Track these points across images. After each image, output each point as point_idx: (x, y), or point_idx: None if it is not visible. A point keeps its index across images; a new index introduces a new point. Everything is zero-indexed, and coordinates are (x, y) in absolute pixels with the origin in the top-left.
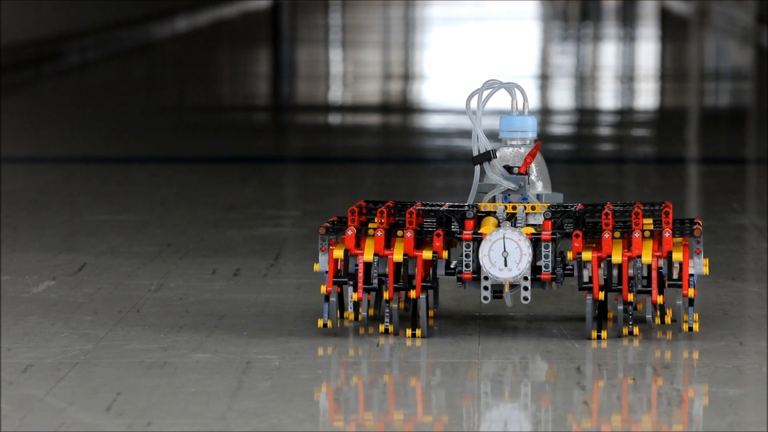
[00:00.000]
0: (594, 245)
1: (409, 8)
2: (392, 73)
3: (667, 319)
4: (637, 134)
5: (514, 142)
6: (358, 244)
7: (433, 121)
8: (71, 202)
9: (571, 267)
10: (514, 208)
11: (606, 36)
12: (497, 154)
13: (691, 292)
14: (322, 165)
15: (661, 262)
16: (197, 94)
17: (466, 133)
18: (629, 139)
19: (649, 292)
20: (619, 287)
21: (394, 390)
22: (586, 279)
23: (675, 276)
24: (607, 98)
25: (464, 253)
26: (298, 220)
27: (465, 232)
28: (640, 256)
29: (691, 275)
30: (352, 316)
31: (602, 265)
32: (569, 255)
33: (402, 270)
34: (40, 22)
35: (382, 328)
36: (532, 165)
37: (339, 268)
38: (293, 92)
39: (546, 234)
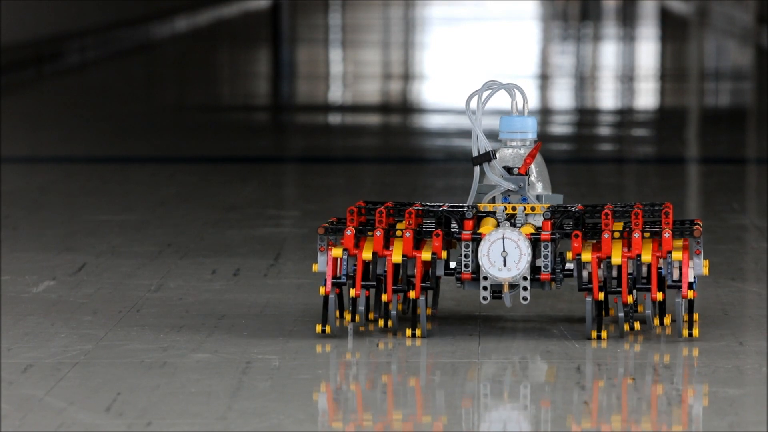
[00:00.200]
0: (593, 245)
1: (409, 8)
2: (392, 73)
3: (667, 320)
4: (637, 134)
5: (513, 143)
6: (357, 244)
7: (433, 121)
8: (71, 202)
9: (570, 270)
10: (513, 208)
11: (606, 36)
12: (497, 155)
13: (690, 294)
14: (322, 165)
15: (661, 262)
16: (197, 94)
17: (466, 134)
18: (629, 139)
19: (649, 290)
20: (618, 289)
21: (394, 390)
22: (585, 279)
23: (675, 277)
24: (607, 98)
25: (463, 254)
26: (298, 220)
27: (464, 232)
28: (639, 256)
29: (691, 283)
30: (349, 317)
31: (602, 265)
32: (569, 255)
33: (401, 271)
34: (40, 22)
35: (381, 323)
36: (532, 166)
37: (338, 270)
38: (293, 92)
39: (545, 234)
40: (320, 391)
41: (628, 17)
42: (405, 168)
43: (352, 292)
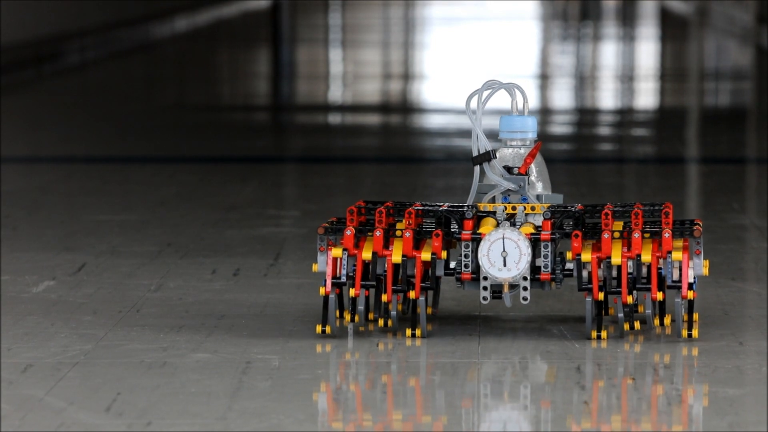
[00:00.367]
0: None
1: (409, 8)
2: (392, 73)
3: (667, 320)
4: (637, 134)
5: (513, 143)
6: (357, 244)
7: (433, 121)
8: (71, 202)
9: (570, 270)
10: (513, 208)
11: (606, 36)
12: (497, 155)
13: (690, 295)
14: (322, 165)
15: (661, 262)
16: (197, 93)
17: (466, 133)
18: (629, 139)
19: (649, 290)
20: (618, 289)
21: (394, 390)
22: (585, 279)
23: (675, 277)
24: (607, 98)
25: (463, 254)
26: (298, 220)
27: (464, 232)
28: (639, 256)
29: (691, 284)
30: (349, 317)
31: (602, 265)
32: (569, 255)
33: (401, 271)
34: (40, 22)
35: (381, 323)
36: (532, 165)
37: (338, 270)
38: (293, 92)
39: (545, 234)
40: (320, 391)
41: (628, 17)
42: (405, 168)
43: (352, 292)
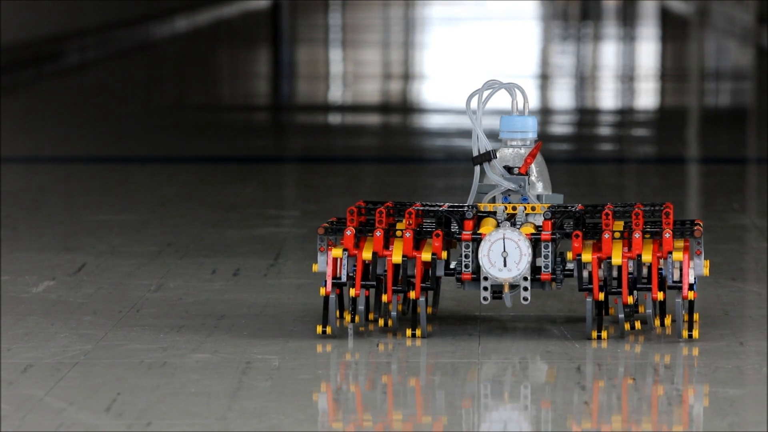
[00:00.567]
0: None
1: (409, 8)
2: (392, 73)
3: (667, 320)
4: (637, 134)
5: (514, 143)
6: (357, 244)
7: (433, 121)
8: (71, 202)
9: (570, 270)
10: (514, 208)
11: (606, 36)
12: (497, 155)
13: (691, 295)
14: (322, 165)
15: (662, 262)
16: (197, 94)
17: (466, 133)
18: (629, 139)
19: (649, 290)
20: (619, 289)
21: (394, 390)
22: (585, 279)
23: (676, 278)
24: (607, 98)
25: (463, 254)
26: (298, 220)
27: (464, 232)
28: (640, 256)
29: (692, 284)
30: (349, 318)
31: (602, 265)
32: (569, 255)
33: (401, 271)
34: (40, 22)
35: (381, 322)
36: (533, 165)
37: (338, 270)
38: (293, 92)
39: (546, 234)
40: (320, 391)
41: (628, 17)
42: (405, 168)
43: (352, 292)
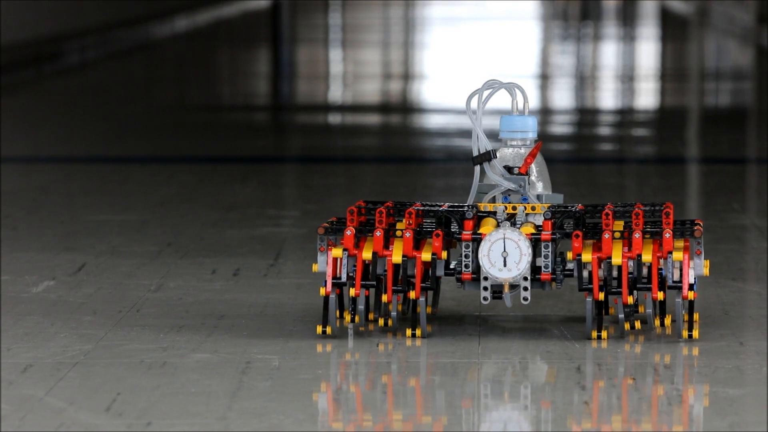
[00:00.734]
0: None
1: (409, 8)
2: (392, 73)
3: (667, 320)
4: (637, 134)
5: (514, 143)
6: (357, 244)
7: (433, 121)
8: (71, 202)
9: (570, 270)
10: (514, 208)
11: (606, 36)
12: (497, 155)
13: (691, 295)
14: (322, 165)
15: (662, 263)
16: (197, 93)
17: (466, 133)
18: (629, 139)
19: (649, 290)
20: (619, 289)
21: (394, 390)
22: (585, 279)
23: (676, 278)
24: (607, 98)
25: (463, 254)
26: (298, 220)
27: (464, 232)
28: (640, 255)
29: (692, 284)
30: (349, 318)
31: (602, 265)
32: (569, 255)
33: (401, 271)
34: (40, 22)
35: (381, 322)
36: (533, 165)
37: (338, 270)
38: (293, 92)
39: (546, 234)
40: (320, 391)
41: (628, 17)
42: (405, 168)
43: (352, 292)
